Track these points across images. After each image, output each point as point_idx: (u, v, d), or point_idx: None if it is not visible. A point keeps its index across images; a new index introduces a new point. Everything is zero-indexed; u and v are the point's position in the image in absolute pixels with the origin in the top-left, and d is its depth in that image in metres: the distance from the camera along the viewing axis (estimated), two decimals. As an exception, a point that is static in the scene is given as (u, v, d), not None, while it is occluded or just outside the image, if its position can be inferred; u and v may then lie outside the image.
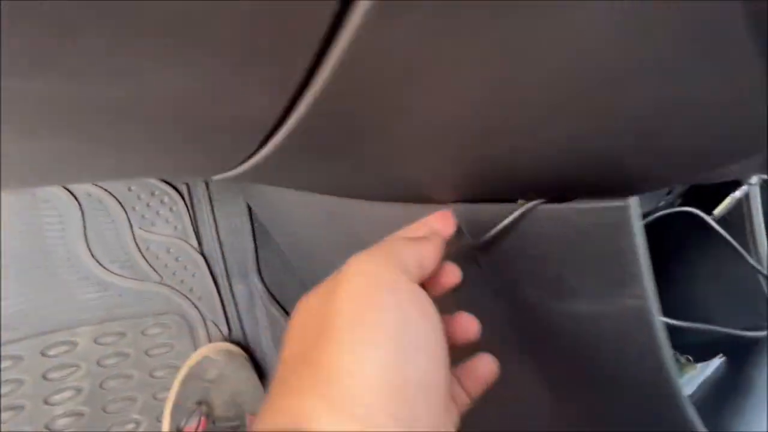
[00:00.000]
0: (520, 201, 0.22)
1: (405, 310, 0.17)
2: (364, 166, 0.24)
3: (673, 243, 0.43)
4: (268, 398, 0.16)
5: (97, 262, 0.64)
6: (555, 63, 0.13)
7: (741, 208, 0.41)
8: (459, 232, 0.25)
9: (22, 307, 0.59)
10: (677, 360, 0.40)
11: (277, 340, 0.71)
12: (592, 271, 0.21)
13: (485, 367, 0.22)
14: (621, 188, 0.20)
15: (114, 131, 0.16)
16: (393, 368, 0.15)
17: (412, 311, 0.17)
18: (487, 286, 0.26)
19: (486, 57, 0.13)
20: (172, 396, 0.56)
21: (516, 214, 0.22)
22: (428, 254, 0.20)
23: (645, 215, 0.36)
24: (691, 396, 0.37)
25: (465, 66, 0.14)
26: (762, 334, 0.31)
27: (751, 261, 0.34)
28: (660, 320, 0.21)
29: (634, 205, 0.19)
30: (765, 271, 0.34)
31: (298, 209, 0.42)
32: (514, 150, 0.19)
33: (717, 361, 0.38)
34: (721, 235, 0.37)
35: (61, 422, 0.56)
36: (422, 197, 0.27)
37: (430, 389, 0.16)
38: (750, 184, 0.37)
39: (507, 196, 0.23)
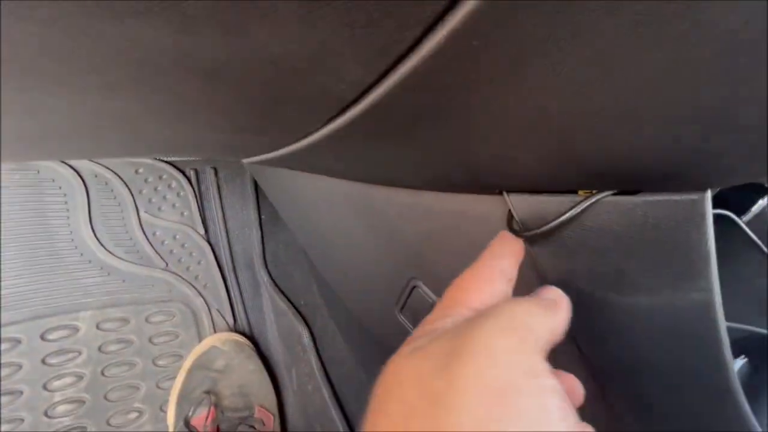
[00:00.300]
0: (582, 192, 0.22)
1: (547, 422, 0.14)
2: (423, 152, 0.24)
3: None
4: None
5: (101, 245, 0.62)
6: (654, 65, 0.13)
7: (764, 215, 0.42)
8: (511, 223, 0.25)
9: (22, 288, 0.57)
10: None
11: (283, 332, 0.70)
12: (659, 264, 0.21)
13: (575, 388, 0.20)
14: (686, 184, 0.20)
15: (195, 96, 0.15)
16: None
17: (557, 421, 0.14)
18: (539, 279, 0.26)
19: (588, 61, 0.13)
20: (177, 385, 0.55)
21: (584, 205, 0.21)
22: (562, 327, 0.17)
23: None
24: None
25: (564, 69, 0.13)
26: None
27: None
28: (722, 314, 0.21)
29: (708, 198, 0.19)
30: None
31: (324, 196, 0.41)
32: (588, 142, 0.19)
33: (740, 362, 0.39)
34: (746, 240, 0.37)
35: (61, 408, 0.54)
36: (473, 186, 0.26)
37: None
38: (777, 191, 0.38)
39: (565, 187, 0.23)
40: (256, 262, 0.74)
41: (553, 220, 0.22)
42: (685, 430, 0.26)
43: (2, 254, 0.55)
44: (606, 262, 0.23)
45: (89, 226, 0.62)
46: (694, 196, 0.19)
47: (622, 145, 0.18)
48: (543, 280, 0.25)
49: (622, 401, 0.28)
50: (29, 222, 0.58)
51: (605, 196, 0.21)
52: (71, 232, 0.61)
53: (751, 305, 0.42)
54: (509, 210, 0.25)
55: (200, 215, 0.71)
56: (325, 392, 0.61)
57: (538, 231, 0.23)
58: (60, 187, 0.61)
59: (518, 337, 0.15)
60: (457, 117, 0.19)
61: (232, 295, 0.70)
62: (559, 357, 0.28)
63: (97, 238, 0.62)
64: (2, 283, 0.55)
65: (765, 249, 0.35)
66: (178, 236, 0.69)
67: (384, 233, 0.38)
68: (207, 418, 0.48)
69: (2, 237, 0.55)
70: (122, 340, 0.60)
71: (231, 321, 0.68)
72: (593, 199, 0.21)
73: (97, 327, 0.59)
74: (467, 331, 0.15)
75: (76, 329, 0.59)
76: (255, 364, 0.59)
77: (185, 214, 0.70)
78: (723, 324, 0.21)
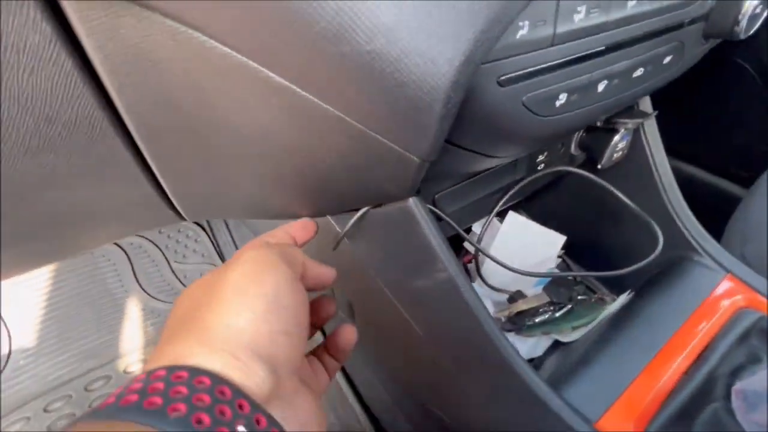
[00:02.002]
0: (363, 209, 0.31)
1: (280, 287, 0.21)
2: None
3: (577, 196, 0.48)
4: (155, 349, 0.19)
5: (148, 294, 0.80)
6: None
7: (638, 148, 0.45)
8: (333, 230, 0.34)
9: (103, 340, 0.76)
10: (585, 301, 0.45)
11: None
12: (408, 255, 0.29)
13: (346, 335, 0.27)
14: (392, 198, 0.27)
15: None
16: (262, 322, 0.19)
17: (286, 289, 0.21)
18: (363, 269, 0.34)
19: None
20: None
21: (356, 217, 0.30)
22: (296, 255, 0.24)
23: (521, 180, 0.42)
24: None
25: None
26: (622, 272, 0.36)
27: (632, 205, 0.38)
28: (468, 285, 0.28)
29: (413, 204, 0.27)
30: (642, 214, 0.38)
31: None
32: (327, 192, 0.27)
33: (624, 296, 0.43)
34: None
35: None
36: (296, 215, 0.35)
37: (292, 339, 0.20)
38: (626, 129, 0.41)
39: (346, 208, 0.31)
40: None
41: (346, 227, 0.31)
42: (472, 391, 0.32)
43: (79, 316, 0.74)
44: (390, 256, 0.31)
45: (136, 281, 0.80)
46: (401, 204, 0.27)
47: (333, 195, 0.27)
48: (366, 270, 0.33)
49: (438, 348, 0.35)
50: (94, 288, 0.77)
51: (365, 211, 0.29)
52: (125, 290, 0.79)
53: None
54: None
55: (217, 252, 0.87)
56: (343, 377, 0.73)
57: (342, 233, 0.32)
58: (109, 259, 0.79)
59: (270, 249, 0.22)
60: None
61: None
62: (392, 319, 0.36)
63: (144, 289, 0.80)
64: (88, 338, 0.74)
65: (614, 190, 0.39)
66: (203, 273, 0.85)
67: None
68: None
69: (76, 304, 0.74)
70: (179, 362, 0.77)
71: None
72: (359, 213, 0.30)
73: (160, 356, 0.77)
74: (242, 249, 0.23)
75: (144, 361, 0.77)
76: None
77: (205, 254, 0.86)
78: (470, 293, 0.28)
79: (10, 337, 0.72)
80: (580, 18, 0.20)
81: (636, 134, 0.43)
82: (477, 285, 0.48)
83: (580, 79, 0.24)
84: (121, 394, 0.16)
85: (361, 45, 0.14)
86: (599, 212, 0.49)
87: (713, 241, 0.42)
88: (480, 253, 0.50)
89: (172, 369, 0.17)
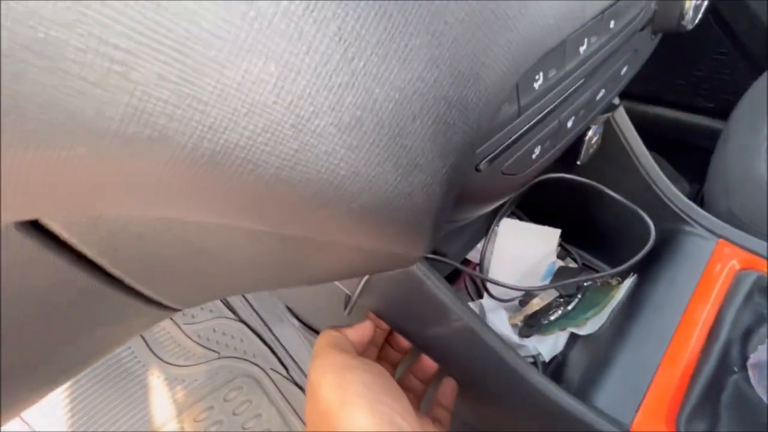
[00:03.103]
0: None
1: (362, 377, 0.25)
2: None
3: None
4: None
5: (167, 363, 0.80)
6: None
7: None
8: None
9: (136, 419, 0.77)
10: (592, 287, 0.47)
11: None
12: (419, 309, 0.30)
13: (449, 387, 0.33)
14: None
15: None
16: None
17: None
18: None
19: None
20: None
21: (362, 283, 0.30)
22: (346, 343, 0.30)
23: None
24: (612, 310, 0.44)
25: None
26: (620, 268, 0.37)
27: (620, 199, 0.39)
28: (485, 327, 0.29)
29: (415, 269, 0.27)
30: (631, 205, 0.39)
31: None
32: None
33: (629, 281, 0.45)
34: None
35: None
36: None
37: (403, 410, 0.25)
38: (597, 123, 0.42)
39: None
40: (283, 314, 0.88)
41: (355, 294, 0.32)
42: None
43: (106, 402, 0.73)
44: (394, 309, 0.32)
45: (151, 353, 0.80)
46: (408, 269, 0.27)
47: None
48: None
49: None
50: (113, 372, 0.77)
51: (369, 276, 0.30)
52: (143, 364, 0.79)
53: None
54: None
55: (225, 305, 0.87)
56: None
57: (353, 299, 0.33)
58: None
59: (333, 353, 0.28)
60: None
61: (275, 351, 0.86)
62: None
63: (161, 359, 0.80)
64: (119, 422, 0.74)
65: (596, 185, 0.40)
66: (216, 329, 0.85)
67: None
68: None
69: (99, 391, 0.74)
70: (215, 421, 0.78)
71: (284, 371, 0.84)
72: (364, 279, 0.30)
73: (194, 420, 0.78)
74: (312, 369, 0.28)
75: (182, 428, 0.77)
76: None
77: (213, 310, 0.86)
78: (491, 335, 0.29)
79: (43, 441, 0.72)
80: (539, 84, 0.21)
81: (607, 123, 0.44)
82: (486, 299, 0.49)
83: (551, 126, 0.24)
84: None
85: (348, 203, 0.15)
86: (588, 203, 0.51)
87: (699, 210, 0.44)
88: (483, 263, 0.51)
89: None
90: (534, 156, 0.24)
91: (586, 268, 0.54)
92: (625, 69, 0.30)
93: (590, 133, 0.42)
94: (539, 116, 0.22)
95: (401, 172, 0.14)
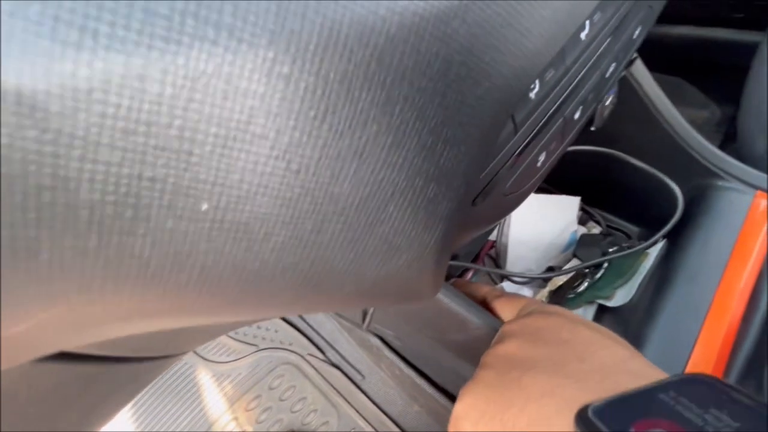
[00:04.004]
0: None
1: None
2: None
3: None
4: None
5: (210, 360, 0.84)
6: None
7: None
8: None
9: (194, 416, 0.83)
10: (618, 253, 0.44)
11: (357, 341, 0.87)
12: (439, 321, 0.29)
13: None
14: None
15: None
16: None
17: None
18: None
19: None
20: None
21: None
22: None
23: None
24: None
25: None
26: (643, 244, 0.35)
27: (641, 165, 0.36)
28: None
29: (439, 290, 0.26)
30: (652, 171, 0.36)
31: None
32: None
33: (659, 247, 0.42)
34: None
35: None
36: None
37: None
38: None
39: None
40: (312, 304, 0.90)
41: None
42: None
43: (164, 406, 0.79)
44: (414, 321, 0.31)
45: (196, 354, 0.84)
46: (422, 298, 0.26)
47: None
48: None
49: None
50: (162, 376, 0.82)
51: None
52: (189, 365, 0.83)
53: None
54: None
55: (253, 300, 0.89)
56: (412, 372, 0.77)
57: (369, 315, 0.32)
58: (162, 345, 0.83)
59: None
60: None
61: (311, 338, 0.88)
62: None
63: (205, 358, 0.84)
64: (179, 422, 0.80)
65: (615, 153, 0.37)
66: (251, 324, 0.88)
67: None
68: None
69: (155, 397, 0.79)
70: (265, 408, 0.83)
71: (321, 355, 0.87)
72: None
73: (246, 410, 0.83)
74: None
75: (237, 418, 0.83)
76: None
77: (244, 306, 0.89)
78: None
79: (114, 445, 0.79)
80: (536, 92, 0.18)
81: (623, 79, 0.40)
82: (507, 283, 0.48)
83: (555, 127, 0.21)
84: None
85: (338, 290, 0.13)
86: (609, 168, 0.47)
87: (732, 160, 0.40)
88: (500, 245, 0.49)
89: None
90: (539, 164, 0.22)
91: (611, 231, 0.52)
92: (638, 30, 0.26)
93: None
94: (540, 124, 0.19)
95: (381, 258, 0.13)
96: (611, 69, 0.25)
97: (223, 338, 0.85)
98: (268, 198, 0.10)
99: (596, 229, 0.52)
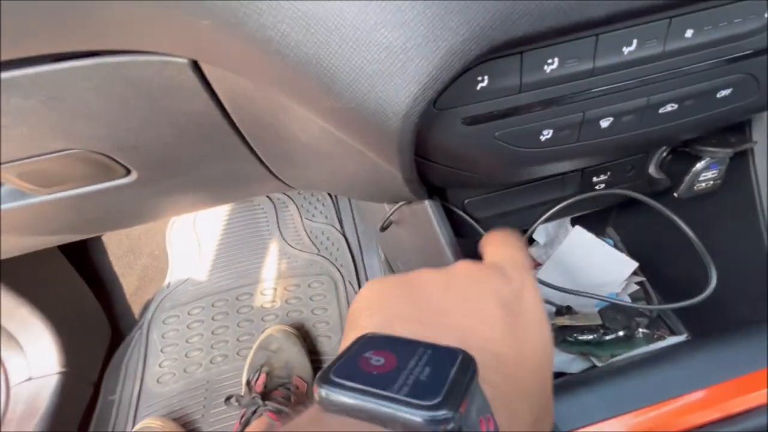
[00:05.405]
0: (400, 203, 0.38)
1: None
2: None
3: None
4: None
5: (285, 241, 1.03)
6: None
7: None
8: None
9: (252, 266, 1.03)
10: (646, 335, 0.42)
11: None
12: (426, 247, 0.35)
13: None
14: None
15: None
16: None
17: None
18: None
19: None
20: (248, 360, 0.86)
21: (394, 209, 0.38)
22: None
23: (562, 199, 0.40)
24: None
25: None
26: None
27: (688, 232, 0.35)
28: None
29: (427, 204, 0.33)
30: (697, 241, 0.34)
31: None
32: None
33: (680, 337, 0.39)
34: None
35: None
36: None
37: None
38: (714, 157, 0.36)
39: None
40: (376, 248, 1.01)
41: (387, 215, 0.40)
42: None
43: (240, 246, 1.00)
44: (412, 242, 0.37)
45: (278, 230, 1.03)
46: (421, 204, 0.33)
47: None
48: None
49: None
50: (250, 229, 1.04)
51: (401, 205, 0.37)
52: (270, 234, 1.03)
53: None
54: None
55: (337, 217, 1.04)
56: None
57: (386, 218, 0.40)
58: (263, 209, 1.05)
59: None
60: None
61: (359, 271, 1.00)
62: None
63: (282, 236, 1.03)
64: (241, 263, 1.01)
65: (669, 214, 0.36)
66: (324, 231, 1.03)
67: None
68: (260, 381, 0.77)
69: (239, 237, 1.01)
70: (296, 296, 0.98)
71: (357, 287, 0.98)
72: (396, 206, 0.38)
73: (285, 289, 1.00)
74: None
75: (275, 290, 1.00)
76: (299, 348, 0.84)
77: (328, 216, 1.05)
78: None
79: (200, 247, 1.03)
80: (553, 68, 0.22)
81: (740, 163, 0.37)
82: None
83: (570, 116, 0.25)
84: None
85: (332, 102, 0.22)
86: (680, 241, 0.44)
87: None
88: (540, 259, 0.51)
89: None
90: (543, 138, 0.25)
91: (655, 320, 0.48)
92: (726, 93, 0.26)
93: (700, 165, 0.37)
94: (545, 99, 0.23)
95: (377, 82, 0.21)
96: (668, 108, 0.26)
97: (300, 230, 1.03)
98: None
99: (643, 305, 0.49)
